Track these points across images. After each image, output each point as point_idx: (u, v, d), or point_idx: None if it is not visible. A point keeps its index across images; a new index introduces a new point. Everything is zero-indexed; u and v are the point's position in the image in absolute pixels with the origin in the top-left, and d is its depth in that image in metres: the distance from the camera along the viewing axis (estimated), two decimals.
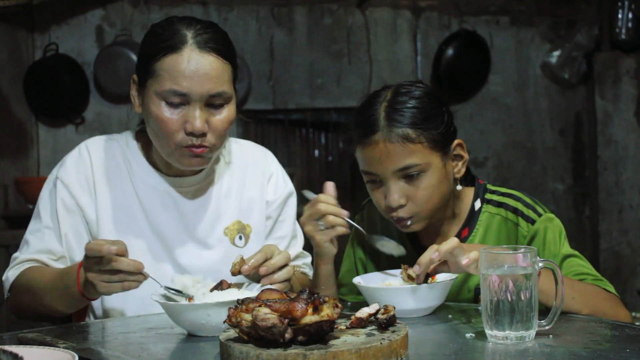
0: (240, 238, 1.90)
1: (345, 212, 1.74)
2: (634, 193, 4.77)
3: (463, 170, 1.80)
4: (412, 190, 1.72)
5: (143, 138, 1.89)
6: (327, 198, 1.75)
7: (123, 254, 1.50)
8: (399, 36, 4.94)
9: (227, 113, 1.76)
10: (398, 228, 1.80)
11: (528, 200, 1.80)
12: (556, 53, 4.91)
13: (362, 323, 1.36)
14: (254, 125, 5.12)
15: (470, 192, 1.85)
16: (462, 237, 1.81)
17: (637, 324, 1.51)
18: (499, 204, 1.81)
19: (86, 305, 1.80)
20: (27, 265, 1.79)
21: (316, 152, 5.37)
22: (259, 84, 4.83)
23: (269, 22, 4.86)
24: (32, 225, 1.85)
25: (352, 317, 1.37)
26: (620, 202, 4.77)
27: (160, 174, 1.87)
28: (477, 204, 1.83)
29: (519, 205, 1.79)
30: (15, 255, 1.83)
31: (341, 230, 1.75)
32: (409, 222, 1.75)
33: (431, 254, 1.56)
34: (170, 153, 1.76)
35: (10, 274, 1.80)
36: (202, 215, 1.88)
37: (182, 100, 1.72)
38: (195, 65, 1.71)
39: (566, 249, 1.76)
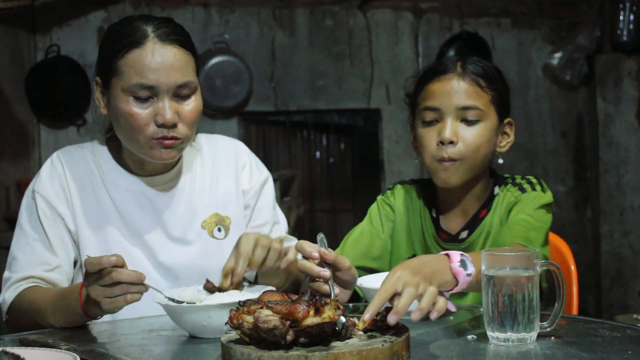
0: (220, 230, 1.90)
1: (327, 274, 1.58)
2: (635, 195, 4.77)
3: (506, 148, 1.92)
4: (466, 132, 1.83)
5: (112, 143, 1.90)
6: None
7: (122, 265, 1.49)
8: (400, 38, 4.94)
9: (195, 103, 1.78)
10: (438, 179, 1.86)
11: (534, 180, 1.90)
12: (557, 55, 4.91)
13: (376, 324, 1.35)
14: (255, 127, 5.12)
15: (492, 181, 1.96)
16: (481, 217, 1.90)
17: (639, 325, 1.51)
18: (509, 183, 1.92)
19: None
20: (24, 286, 1.77)
21: (317, 154, 5.37)
22: (260, 86, 4.84)
23: (270, 24, 4.86)
24: (17, 241, 1.84)
25: (366, 319, 1.34)
26: (622, 204, 4.77)
27: (133, 175, 1.87)
28: (496, 190, 1.93)
29: (524, 182, 1.89)
30: (6, 275, 1.81)
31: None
32: (452, 165, 1.82)
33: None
34: (141, 147, 1.77)
35: (7, 296, 1.78)
36: (178, 211, 1.89)
37: (151, 93, 1.74)
38: (159, 57, 1.73)
39: (528, 217, 1.81)
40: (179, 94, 1.76)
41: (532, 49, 5.01)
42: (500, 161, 1.92)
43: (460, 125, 1.83)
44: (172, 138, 1.75)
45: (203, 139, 2.01)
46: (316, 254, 1.56)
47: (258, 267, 1.65)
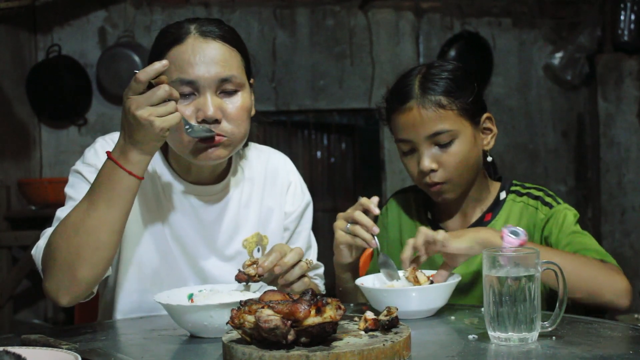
0: (258, 250, 1.87)
1: (376, 230, 1.72)
2: (636, 195, 4.77)
3: (492, 143, 1.89)
4: (443, 156, 1.81)
5: (162, 145, 1.85)
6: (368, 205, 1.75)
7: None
8: (401, 38, 4.94)
9: (241, 100, 1.72)
10: (433, 198, 1.88)
11: (551, 192, 1.90)
12: (558, 55, 4.91)
13: (377, 324, 1.35)
14: (256, 127, 5.12)
15: (497, 185, 1.95)
16: (485, 221, 1.89)
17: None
18: (523, 194, 1.90)
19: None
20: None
21: (318, 154, 5.37)
22: (261, 86, 4.84)
23: (271, 24, 4.86)
24: (64, 206, 1.73)
25: (368, 320, 1.35)
26: (623, 203, 4.77)
27: (181, 180, 1.81)
28: (503, 195, 1.92)
29: (541, 194, 1.88)
30: (45, 230, 1.69)
31: (360, 242, 1.74)
32: (441, 188, 1.82)
33: (408, 249, 1.65)
34: (185, 148, 1.70)
35: (41, 243, 1.66)
36: (222, 225, 1.84)
37: (192, 89, 1.68)
38: (200, 52, 1.68)
39: (578, 229, 1.81)
40: (224, 89, 1.70)
41: (533, 48, 5.01)
42: (489, 159, 1.89)
43: (436, 150, 1.80)
44: (217, 136, 1.68)
45: (253, 151, 1.96)
46: (376, 229, 1.72)
47: (280, 276, 1.60)
